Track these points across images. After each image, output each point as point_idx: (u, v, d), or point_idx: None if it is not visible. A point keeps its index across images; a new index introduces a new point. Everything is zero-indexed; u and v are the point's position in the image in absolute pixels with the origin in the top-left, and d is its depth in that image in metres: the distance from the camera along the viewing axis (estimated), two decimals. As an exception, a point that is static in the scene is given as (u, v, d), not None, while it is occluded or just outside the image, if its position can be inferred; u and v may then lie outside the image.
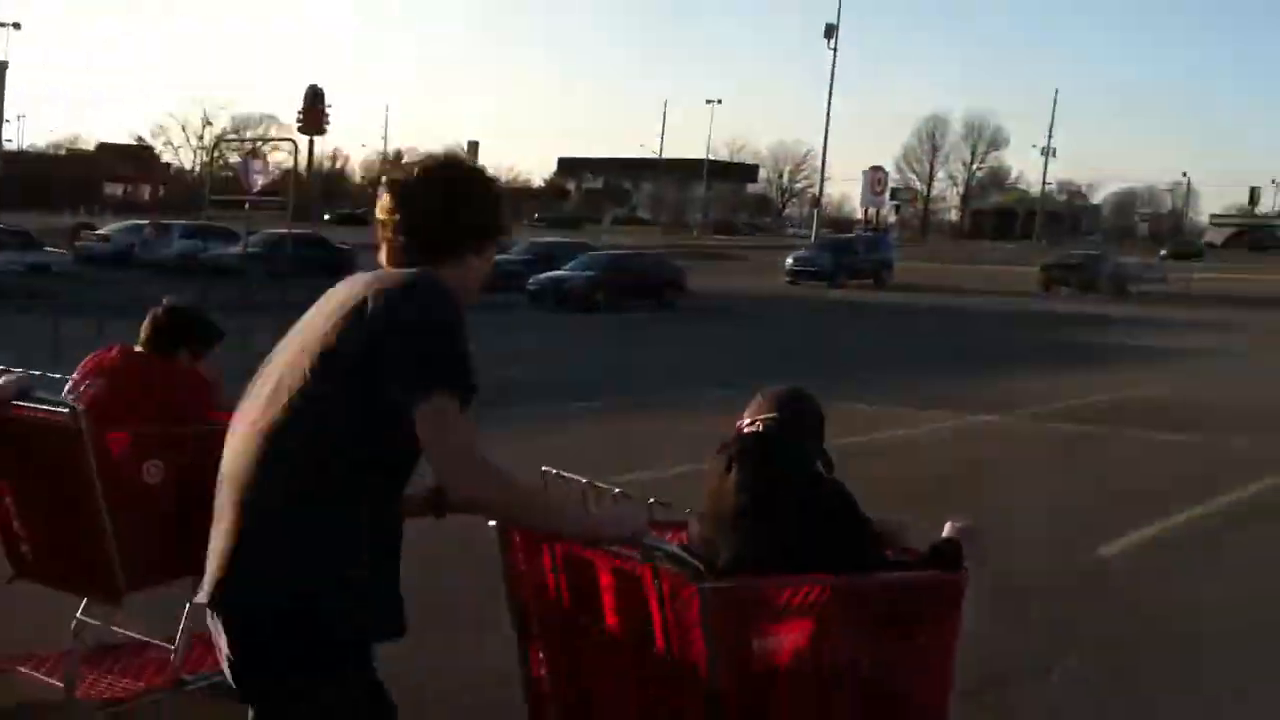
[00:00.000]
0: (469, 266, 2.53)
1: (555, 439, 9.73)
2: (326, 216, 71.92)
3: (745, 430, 3.07)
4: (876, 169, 72.73)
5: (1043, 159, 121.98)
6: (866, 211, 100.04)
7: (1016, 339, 23.69)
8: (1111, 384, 15.99)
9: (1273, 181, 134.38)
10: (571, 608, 2.86)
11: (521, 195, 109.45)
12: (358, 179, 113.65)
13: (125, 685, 4.30)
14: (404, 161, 3.69)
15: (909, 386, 15.11)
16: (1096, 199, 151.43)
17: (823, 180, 69.15)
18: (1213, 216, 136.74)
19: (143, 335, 4.42)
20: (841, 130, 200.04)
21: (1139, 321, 28.48)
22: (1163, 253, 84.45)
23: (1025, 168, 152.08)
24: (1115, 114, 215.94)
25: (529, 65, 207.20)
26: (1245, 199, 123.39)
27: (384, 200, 2.52)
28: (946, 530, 2.94)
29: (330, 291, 2.50)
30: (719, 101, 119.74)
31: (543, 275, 29.94)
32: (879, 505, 3.14)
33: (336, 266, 26.00)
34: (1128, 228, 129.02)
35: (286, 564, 2.29)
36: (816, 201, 69.35)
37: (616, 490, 2.96)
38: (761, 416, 3.07)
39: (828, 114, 60.55)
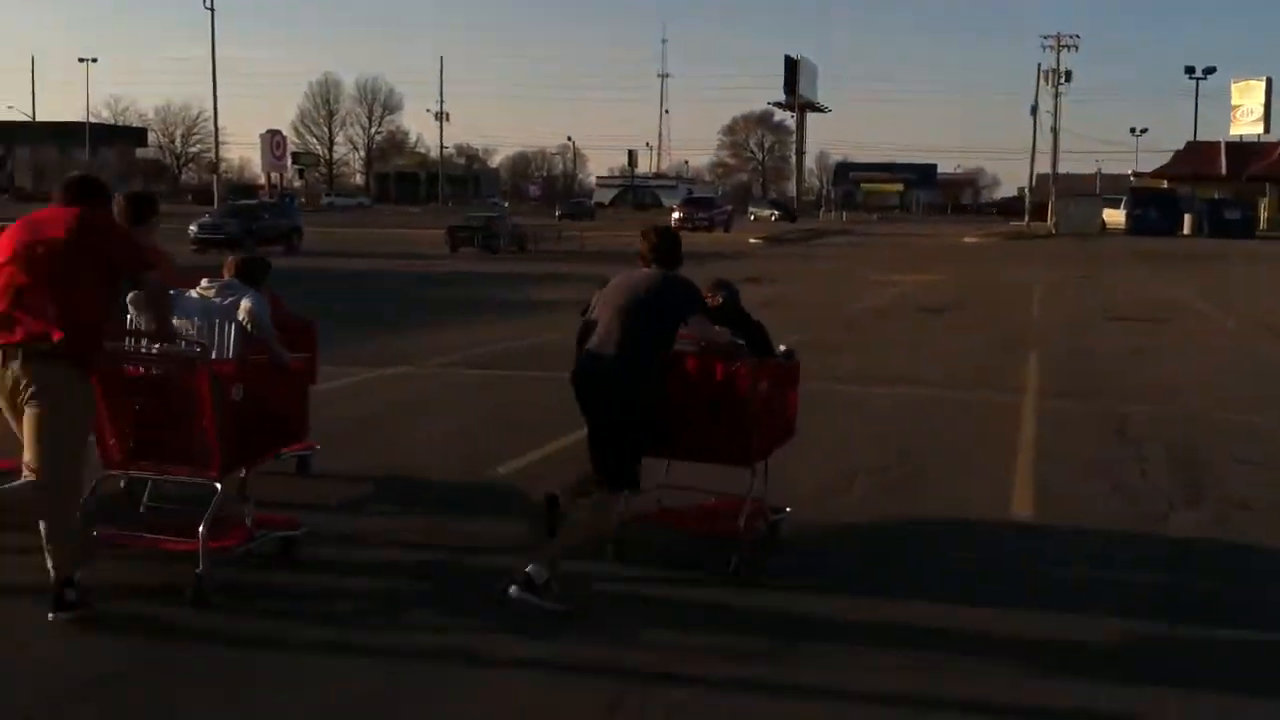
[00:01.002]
0: None
1: None
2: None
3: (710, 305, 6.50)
4: (274, 132, 71.29)
5: (438, 123, 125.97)
6: (269, 177, 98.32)
7: (427, 297, 24.91)
8: (508, 332, 17.54)
9: (646, 144, 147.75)
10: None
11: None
12: None
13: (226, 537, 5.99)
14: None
15: (326, 345, 15.74)
16: (494, 163, 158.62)
17: (217, 144, 67.09)
18: (599, 178, 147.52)
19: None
20: (237, 93, 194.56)
21: (535, 278, 30.83)
22: (558, 213, 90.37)
23: (425, 131, 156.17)
24: (502, 80, 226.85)
25: None
26: (625, 161, 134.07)
27: (647, 240, 6.43)
28: (783, 347, 6.84)
29: (633, 271, 6.35)
30: (94, 60, 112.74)
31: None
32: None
33: None
34: (522, 189, 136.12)
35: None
36: (214, 167, 67.04)
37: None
38: (711, 296, 6.68)
39: (214, 75, 58.32)
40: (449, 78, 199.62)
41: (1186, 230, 64.36)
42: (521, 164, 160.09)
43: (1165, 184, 75.43)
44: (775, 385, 6.57)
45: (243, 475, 6.14)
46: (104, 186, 5.79)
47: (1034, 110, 77.64)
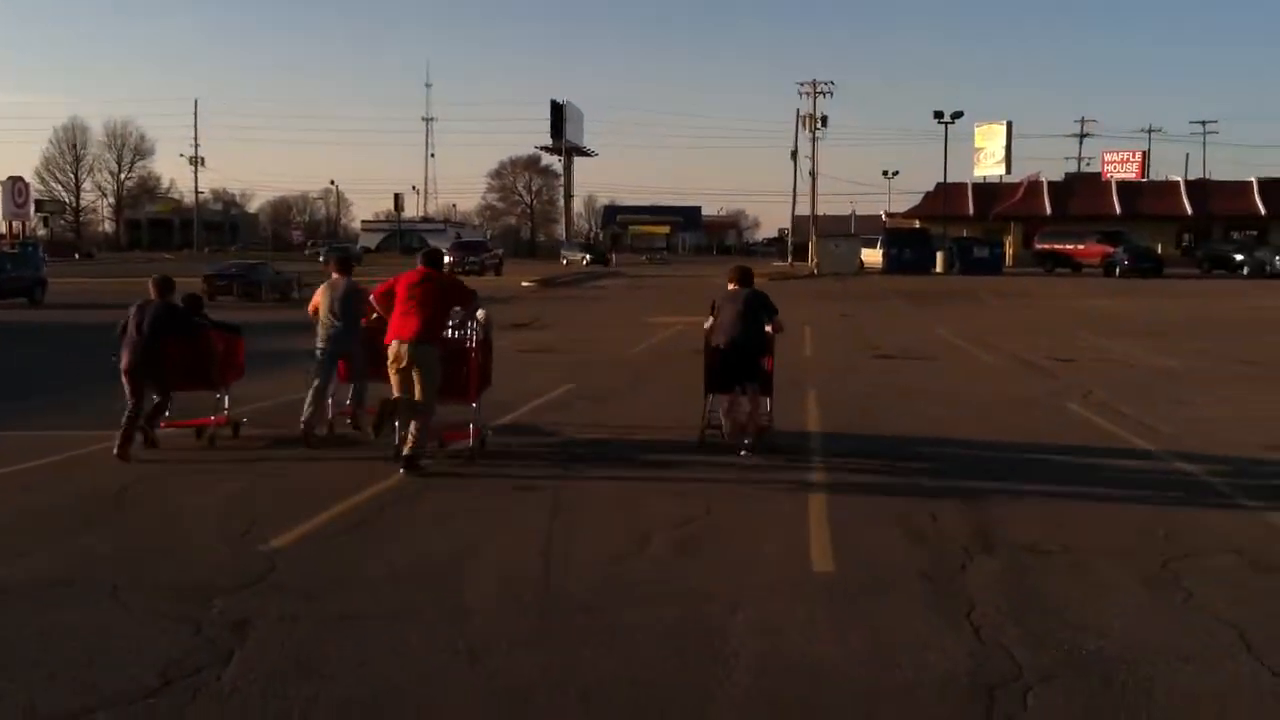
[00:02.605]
0: None
1: None
2: None
3: (731, 289, 11.92)
4: (16, 179, 67.87)
5: (192, 167, 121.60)
6: (11, 225, 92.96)
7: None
8: (265, 389, 16.65)
9: (413, 188, 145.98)
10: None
11: None
12: None
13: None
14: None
15: (82, 409, 14.69)
16: (253, 208, 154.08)
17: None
18: (364, 222, 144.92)
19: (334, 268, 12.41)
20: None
21: (299, 327, 29.66)
22: (321, 258, 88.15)
23: (178, 176, 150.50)
24: (261, 123, 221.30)
25: None
26: (392, 205, 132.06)
27: (737, 271, 12.45)
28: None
29: (735, 290, 11.85)
30: None
31: None
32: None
33: None
34: (284, 236, 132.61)
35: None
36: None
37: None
38: (735, 284, 12.02)
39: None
40: (205, 122, 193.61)
41: (939, 268, 67.25)
42: (283, 209, 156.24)
43: (917, 224, 78.91)
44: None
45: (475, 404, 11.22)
46: (440, 256, 11.81)
47: (794, 154, 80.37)
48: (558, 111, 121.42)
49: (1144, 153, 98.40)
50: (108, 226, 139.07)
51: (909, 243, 70.34)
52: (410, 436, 10.26)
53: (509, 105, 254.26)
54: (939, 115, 73.07)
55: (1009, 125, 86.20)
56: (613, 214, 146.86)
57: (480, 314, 11.29)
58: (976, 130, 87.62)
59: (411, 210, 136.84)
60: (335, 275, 12.35)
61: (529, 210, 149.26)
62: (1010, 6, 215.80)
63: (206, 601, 6.52)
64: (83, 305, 38.07)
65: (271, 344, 24.44)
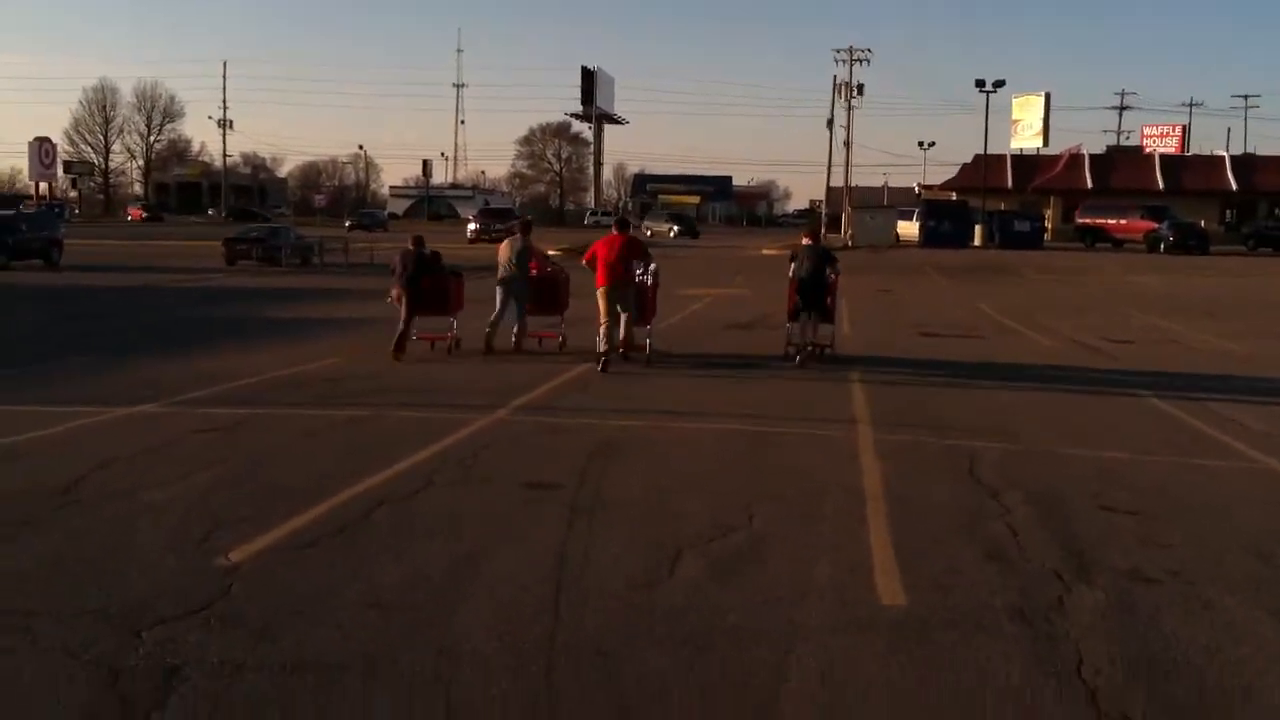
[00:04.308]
0: None
1: None
2: None
3: (806, 242, 16.70)
4: (43, 140, 66.34)
5: (221, 130, 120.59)
6: (38, 186, 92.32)
7: (192, 317, 22.51)
8: (274, 358, 15.53)
9: (442, 154, 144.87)
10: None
11: None
12: None
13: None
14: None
15: (57, 381, 13.51)
16: (282, 172, 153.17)
17: (-29, 150, 61.60)
18: (392, 189, 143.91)
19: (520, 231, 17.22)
20: (6, 99, 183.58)
21: (316, 293, 28.62)
22: (348, 224, 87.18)
23: (208, 140, 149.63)
24: (288, 86, 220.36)
25: None
26: (420, 170, 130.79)
27: (811, 229, 18.52)
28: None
29: (811, 245, 16.52)
30: None
31: None
32: None
33: None
34: (310, 200, 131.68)
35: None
36: (-34, 175, 61.48)
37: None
38: (807, 238, 16.96)
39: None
40: (234, 84, 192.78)
41: (977, 242, 65.58)
42: (312, 174, 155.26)
43: (954, 196, 77.09)
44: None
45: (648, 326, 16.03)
46: (628, 222, 17.45)
47: (830, 123, 78.36)
48: (589, 78, 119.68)
49: (1184, 126, 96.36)
50: (137, 189, 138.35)
51: (947, 215, 68.67)
52: (612, 341, 15.18)
53: (540, 71, 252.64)
54: (980, 84, 71.06)
55: (1047, 97, 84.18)
56: (643, 183, 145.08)
57: (653, 266, 16.35)
58: (1014, 101, 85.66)
59: (441, 177, 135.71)
60: (516, 234, 17.00)
61: (558, 178, 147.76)
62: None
63: (134, 638, 5.26)
64: (101, 269, 37.08)
65: (283, 312, 23.37)
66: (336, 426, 10.78)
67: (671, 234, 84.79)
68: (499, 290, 16.75)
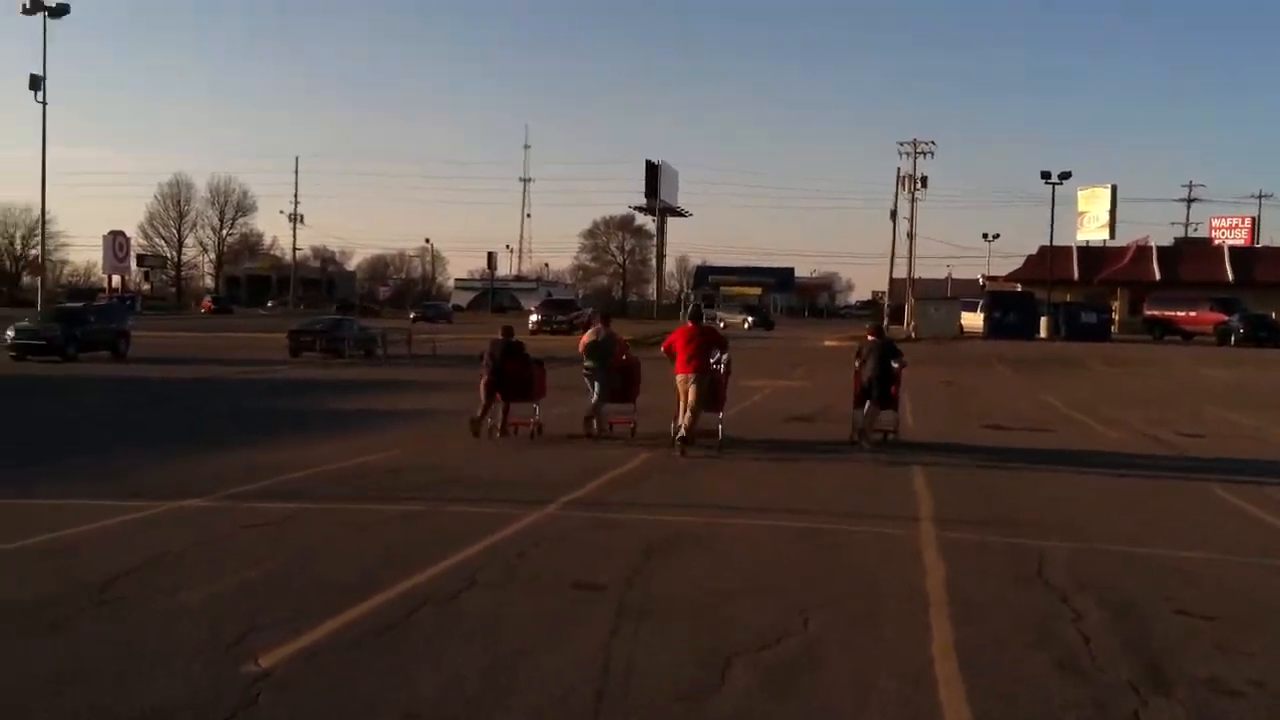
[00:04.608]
0: None
1: None
2: None
3: (870, 338, 17.95)
4: (117, 233, 68.59)
5: (292, 225, 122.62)
6: (110, 279, 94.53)
7: (253, 409, 22.58)
8: (332, 450, 15.44)
9: (507, 247, 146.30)
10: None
11: None
12: None
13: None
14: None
15: (112, 473, 13.48)
16: (351, 265, 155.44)
17: (44, 242, 62.73)
18: (457, 281, 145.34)
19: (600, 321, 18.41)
20: (85, 194, 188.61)
21: (377, 385, 28.69)
22: (413, 315, 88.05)
23: (278, 234, 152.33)
24: (358, 182, 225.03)
25: None
26: (485, 263, 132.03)
27: (874, 325, 19.61)
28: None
29: (876, 340, 17.72)
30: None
31: None
32: None
33: None
34: (374, 292, 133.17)
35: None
36: (40, 268, 62.77)
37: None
38: (871, 334, 18.15)
39: (43, 172, 54.46)
40: (305, 179, 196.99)
41: (1043, 334, 64.81)
42: (380, 266, 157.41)
43: (1019, 287, 76.45)
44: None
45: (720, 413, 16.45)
46: (700, 313, 18.41)
47: (893, 214, 78.21)
48: (652, 171, 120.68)
49: (1254, 218, 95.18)
50: (208, 281, 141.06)
51: (1012, 306, 68.02)
52: (689, 428, 15.65)
53: (604, 165, 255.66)
54: (1045, 175, 70.81)
55: (1113, 189, 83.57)
56: (705, 274, 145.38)
57: (726, 355, 16.63)
58: (1079, 194, 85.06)
59: (505, 269, 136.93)
60: (598, 325, 18.02)
61: (621, 269, 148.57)
62: (1110, 70, 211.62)
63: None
64: (167, 360, 37.52)
65: (345, 404, 23.40)
66: (389, 521, 10.60)
67: (746, 325, 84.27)
68: (587, 378, 17.54)
